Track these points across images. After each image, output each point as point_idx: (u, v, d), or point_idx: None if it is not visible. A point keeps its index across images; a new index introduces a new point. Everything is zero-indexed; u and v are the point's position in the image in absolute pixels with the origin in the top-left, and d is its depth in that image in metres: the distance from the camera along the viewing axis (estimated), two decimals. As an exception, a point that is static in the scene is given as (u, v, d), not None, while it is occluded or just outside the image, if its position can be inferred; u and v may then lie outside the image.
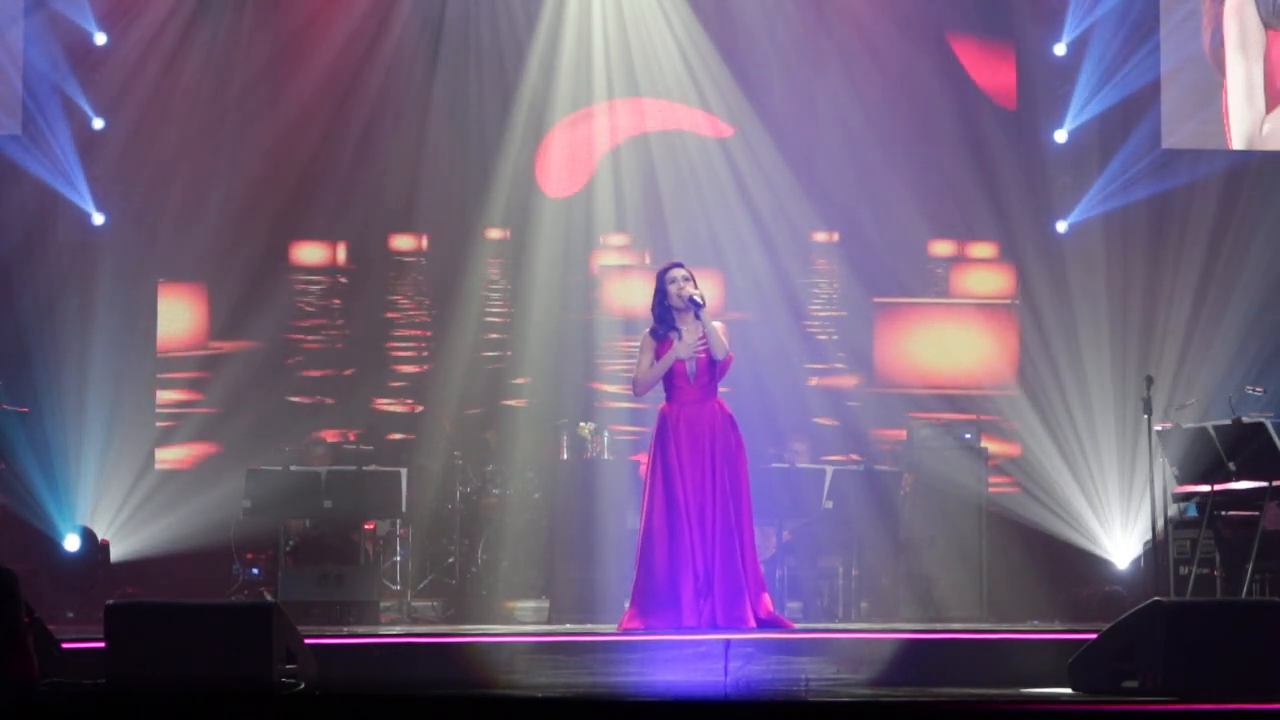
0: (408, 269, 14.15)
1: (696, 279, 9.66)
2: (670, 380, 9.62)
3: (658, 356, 9.58)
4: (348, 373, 13.97)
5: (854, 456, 13.23)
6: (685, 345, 9.54)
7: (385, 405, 13.95)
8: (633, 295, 13.85)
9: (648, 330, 9.67)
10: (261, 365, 13.76)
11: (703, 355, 9.54)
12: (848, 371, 14.09)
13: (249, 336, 13.76)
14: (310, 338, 14.02)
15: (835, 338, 14.12)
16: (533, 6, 13.83)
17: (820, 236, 14.16)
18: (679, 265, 9.72)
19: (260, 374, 13.72)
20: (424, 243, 14.17)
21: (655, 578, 9.44)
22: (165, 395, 13.72)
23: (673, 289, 9.59)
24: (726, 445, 9.55)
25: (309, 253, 14.07)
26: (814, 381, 13.93)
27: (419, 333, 14.08)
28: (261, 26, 13.73)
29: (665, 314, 9.62)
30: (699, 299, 9.52)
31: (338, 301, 14.07)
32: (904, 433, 13.17)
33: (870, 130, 13.80)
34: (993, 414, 13.69)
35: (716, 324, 9.66)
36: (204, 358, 13.81)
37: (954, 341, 14.18)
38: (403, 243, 14.17)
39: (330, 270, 14.11)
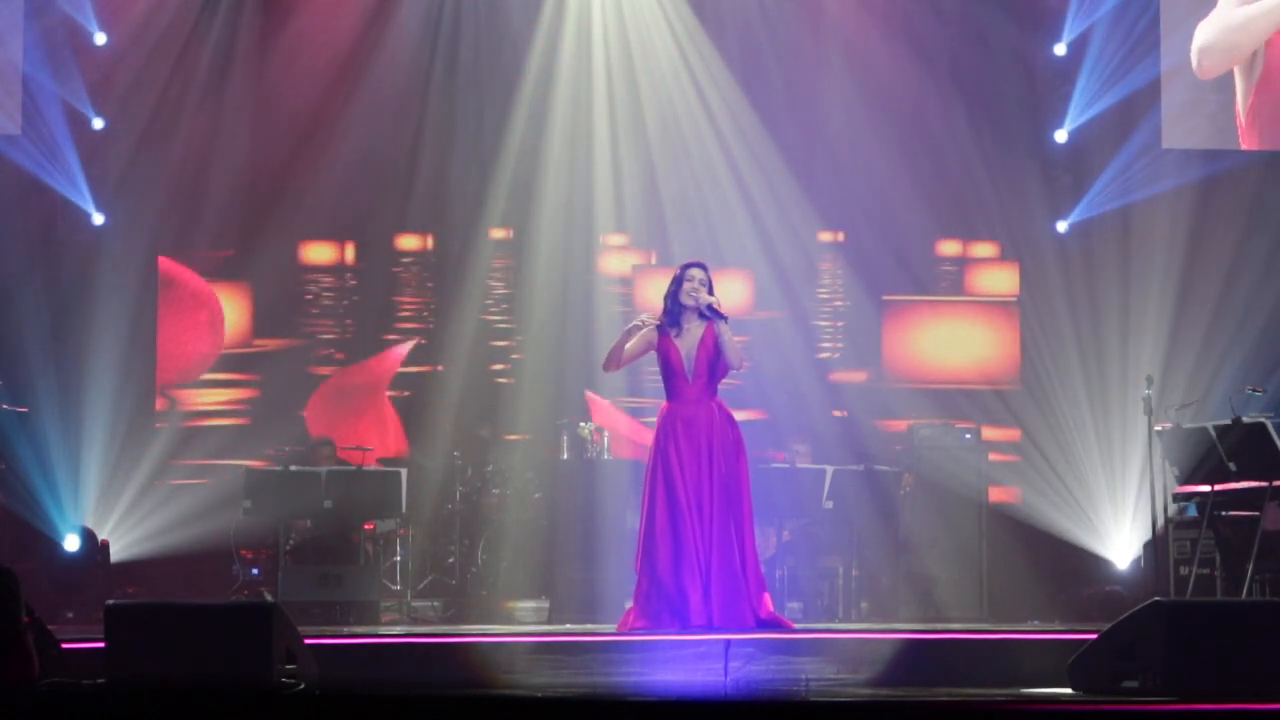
0: (413, 268, 14.15)
1: (714, 285, 9.67)
2: (670, 380, 9.63)
3: (657, 353, 9.60)
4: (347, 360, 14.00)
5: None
6: (645, 322, 9.57)
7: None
8: (636, 296, 13.89)
9: (657, 321, 9.66)
10: (268, 364, 13.80)
11: (702, 353, 9.55)
12: (855, 367, 14.09)
13: (251, 336, 13.78)
14: (318, 337, 14.04)
15: (841, 337, 14.13)
16: (533, 6, 13.83)
17: (826, 236, 14.17)
18: (700, 266, 9.71)
19: (265, 373, 13.76)
20: (429, 242, 14.19)
21: (660, 578, 9.43)
22: (164, 395, 13.73)
23: (688, 286, 9.59)
24: (725, 443, 9.54)
25: (316, 252, 14.06)
26: (835, 377, 13.95)
27: (422, 326, 14.11)
28: (263, 26, 13.73)
29: (675, 308, 9.64)
30: (718, 307, 9.52)
31: (346, 301, 14.08)
32: (906, 424, 13.20)
33: (871, 131, 13.81)
34: (995, 410, 13.70)
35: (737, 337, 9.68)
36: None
37: (957, 339, 14.18)
38: (408, 242, 14.17)
39: (338, 270, 14.11)
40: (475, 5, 13.91)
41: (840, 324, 14.17)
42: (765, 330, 13.73)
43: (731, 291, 13.34)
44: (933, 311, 14.24)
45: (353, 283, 14.11)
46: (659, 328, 9.65)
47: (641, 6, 13.93)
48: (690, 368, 9.58)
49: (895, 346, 14.18)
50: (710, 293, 9.60)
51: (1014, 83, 13.94)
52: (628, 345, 9.64)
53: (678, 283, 9.66)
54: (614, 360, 9.71)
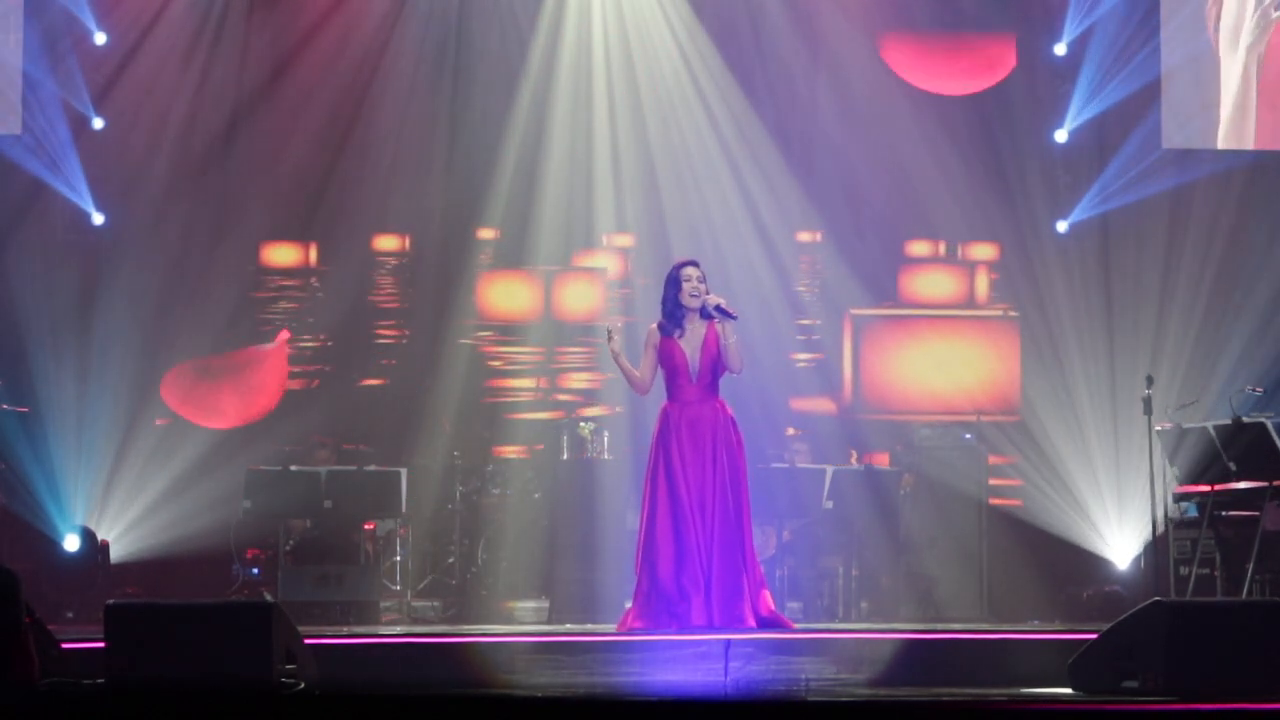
0: (391, 269, 14.14)
1: (707, 279, 9.65)
2: (672, 379, 9.61)
3: (660, 355, 9.57)
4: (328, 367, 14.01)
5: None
6: (611, 333, 9.53)
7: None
8: (633, 296, 13.89)
9: (655, 324, 9.66)
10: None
11: (706, 353, 9.54)
12: (829, 390, 14.06)
13: (254, 337, 13.80)
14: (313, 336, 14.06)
15: (818, 335, 14.11)
16: (532, 6, 13.82)
17: (804, 236, 14.13)
18: (694, 264, 9.67)
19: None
20: (406, 243, 14.16)
21: (661, 578, 9.42)
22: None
23: (687, 287, 9.55)
24: (728, 444, 9.54)
25: (281, 254, 14.03)
26: (796, 403, 13.91)
27: (400, 332, 14.12)
28: (260, 27, 13.72)
29: (676, 310, 9.60)
30: (727, 307, 9.49)
31: (321, 297, 14.09)
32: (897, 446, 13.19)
33: (869, 131, 13.80)
34: (992, 436, 13.69)
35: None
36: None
37: (951, 352, 14.15)
38: (386, 243, 14.15)
39: (302, 272, 14.09)
40: (475, 6, 13.90)
41: (822, 331, 14.13)
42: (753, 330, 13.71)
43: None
44: (928, 322, 14.20)
45: (324, 283, 14.11)
46: (660, 330, 9.62)
47: (641, 6, 13.92)
48: (695, 368, 9.56)
49: (878, 356, 14.14)
50: (707, 289, 9.59)
51: (1014, 83, 13.93)
52: (638, 367, 9.60)
53: (675, 284, 9.60)
54: (637, 386, 9.69)
